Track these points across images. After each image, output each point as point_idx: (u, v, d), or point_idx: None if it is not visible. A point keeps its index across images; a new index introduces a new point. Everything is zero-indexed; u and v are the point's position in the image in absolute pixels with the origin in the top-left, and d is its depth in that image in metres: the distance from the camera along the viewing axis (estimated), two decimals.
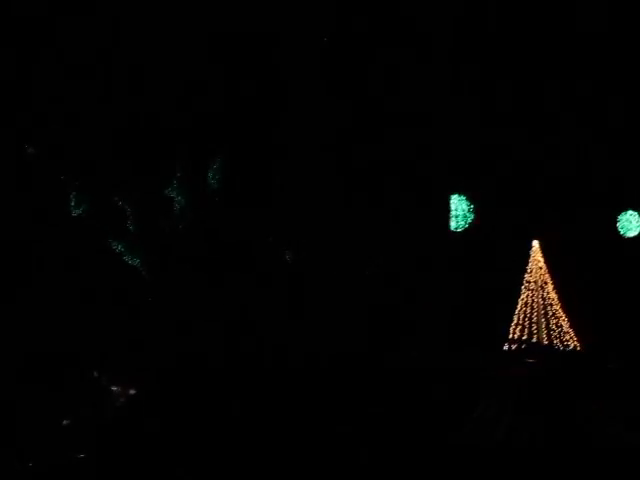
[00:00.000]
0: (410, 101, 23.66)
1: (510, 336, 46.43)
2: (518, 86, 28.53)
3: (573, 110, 31.14)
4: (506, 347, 45.77)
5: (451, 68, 24.73)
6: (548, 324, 47.00)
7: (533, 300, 47.93)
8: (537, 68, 28.22)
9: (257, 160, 20.91)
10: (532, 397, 23.93)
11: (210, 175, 20.69)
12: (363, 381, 21.56)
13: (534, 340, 46.45)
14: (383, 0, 21.49)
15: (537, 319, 47.15)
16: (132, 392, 20.04)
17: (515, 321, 47.17)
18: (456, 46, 24.33)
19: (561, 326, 46.73)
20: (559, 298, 47.66)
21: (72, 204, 20.33)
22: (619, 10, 24.76)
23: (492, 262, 39.28)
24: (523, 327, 47.06)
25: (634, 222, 37.01)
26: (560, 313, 47.02)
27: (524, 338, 46.43)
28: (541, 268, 48.35)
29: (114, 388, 20.12)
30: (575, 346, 45.31)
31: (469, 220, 35.70)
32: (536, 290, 48.05)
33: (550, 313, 47.30)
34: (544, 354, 41.22)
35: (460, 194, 35.29)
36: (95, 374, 20.16)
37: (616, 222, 37.42)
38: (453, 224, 35.50)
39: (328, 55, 20.80)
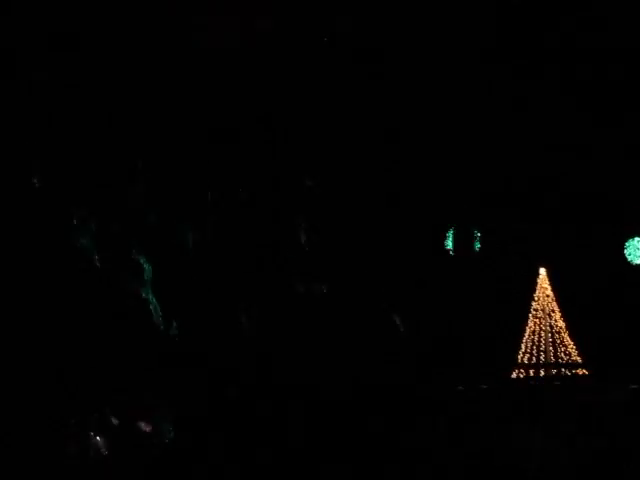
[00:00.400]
0: (411, 126, 23.68)
1: (518, 363, 46.17)
2: (525, 110, 28.51)
3: (578, 137, 31.14)
4: (514, 375, 45.48)
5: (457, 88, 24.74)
6: (556, 352, 46.67)
7: (541, 328, 47.62)
8: (542, 93, 28.23)
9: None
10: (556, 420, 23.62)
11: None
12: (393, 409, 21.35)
13: (543, 366, 46.16)
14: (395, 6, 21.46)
15: (545, 347, 46.82)
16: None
17: (522, 349, 46.86)
18: (465, 63, 24.30)
19: (569, 354, 46.40)
20: (567, 326, 47.36)
21: (76, 234, 20.31)
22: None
23: (498, 290, 39.10)
24: (531, 355, 46.74)
25: None
26: (568, 341, 46.71)
27: (533, 364, 46.15)
28: (548, 296, 48.08)
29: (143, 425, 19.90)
30: (584, 374, 44.98)
31: (475, 248, 35.61)
32: (543, 318, 47.76)
33: (558, 341, 46.98)
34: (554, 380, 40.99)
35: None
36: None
37: (623, 249, 37.34)
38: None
39: (336, 62, 20.78)
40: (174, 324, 21.35)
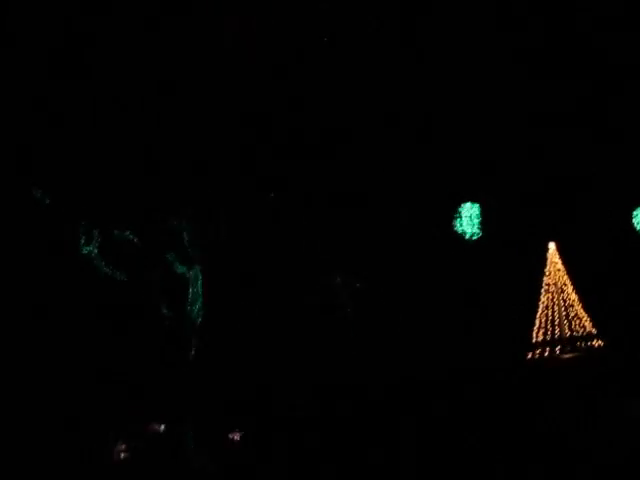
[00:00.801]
0: (420, 106, 23.67)
1: (533, 340, 46.07)
2: (531, 88, 28.43)
3: (584, 109, 31.04)
4: (530, 353, 45.39)
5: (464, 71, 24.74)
6: (571, 325, 46.54)
7: (554, 303, 47.49)
8: (547, 67, 28.16)
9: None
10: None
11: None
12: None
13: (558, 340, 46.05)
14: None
15: (559, 321, 46.70)
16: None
17: (537, 325, 46.77)
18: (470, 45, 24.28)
19: (584, 327, 46.27)
20: (580, 299, 47.23)
21: (82, 242, 20.32)
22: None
23: (509, 267, 38.97)
24: (546, 330, 46.64)
25: None
26: (582, 313, 46.57)
27: (548, 340, 46.03)
28: (559, 270, 47.96)
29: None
30: (600, 345, 44.82)
31: (464, 232, 35.34)
32: (556, 292, 47.63)
33: (572, 314, 46.85)
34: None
35: (473, 201, 35.06)
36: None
37: (631, 218, 37.13)
38: (468, 231, 35.27)
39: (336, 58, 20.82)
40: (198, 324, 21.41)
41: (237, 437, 21.24)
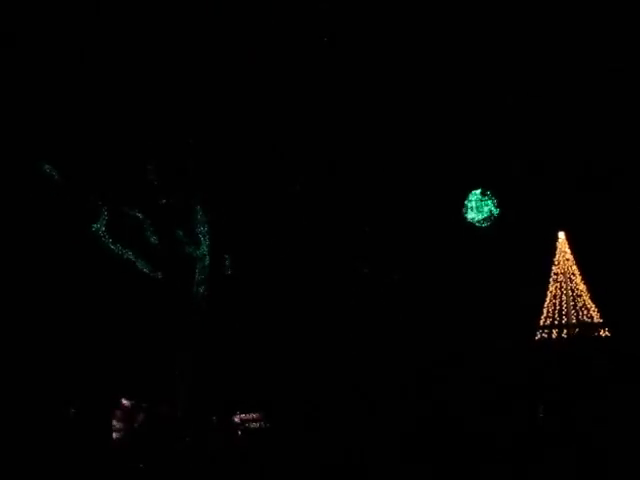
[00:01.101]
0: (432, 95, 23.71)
1: (540, 328, 46.16)
2: (542, 78, 28.41)
3: (594, 100, 31.00)
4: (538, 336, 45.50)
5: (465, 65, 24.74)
6: (578, 315, 46.61)
7: (562, 292, 47.55)
8: (553, 63, 28.14)
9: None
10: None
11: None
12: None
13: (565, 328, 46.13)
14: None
15: (567, 311, 46.77)
16: None
17: (544, 314, 46.86)
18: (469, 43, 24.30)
19: (592, 317, 46.33)
20: (588, 289, 47.26)
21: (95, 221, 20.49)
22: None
23: (518, 255, 38.98)
24: (553, 319, 46.73)
25: None
26: (590, 303, 46.62)
27: (555, 329, 46.13)
28: (568, 259, 47.98)
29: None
30: (607, 336, 44.85)
31: (494, 214, 35.40)
32: (564, 282, 47.67)
33: (580, 304, 46.90)
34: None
35: (484, 189, 35.05)
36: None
37: None
38: (478, 219, 35.28)
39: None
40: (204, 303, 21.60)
41: (238, 419, 21.44)
